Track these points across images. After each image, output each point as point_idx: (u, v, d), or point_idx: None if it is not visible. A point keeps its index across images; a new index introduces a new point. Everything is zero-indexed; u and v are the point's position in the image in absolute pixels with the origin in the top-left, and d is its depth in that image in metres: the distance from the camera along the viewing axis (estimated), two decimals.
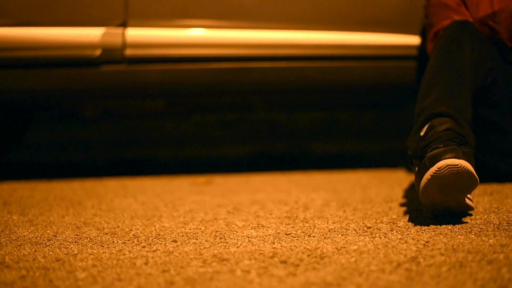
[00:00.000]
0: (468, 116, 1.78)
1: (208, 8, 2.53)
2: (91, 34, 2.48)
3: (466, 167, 1.48)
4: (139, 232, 1.60)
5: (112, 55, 2.49)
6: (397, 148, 3.92)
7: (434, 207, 1.59)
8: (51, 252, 1.40)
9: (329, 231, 1.53)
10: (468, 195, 1.61)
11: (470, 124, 1.77)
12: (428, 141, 1.61)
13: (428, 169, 1.51)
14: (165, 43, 2.51)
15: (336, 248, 1.35)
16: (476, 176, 1.51)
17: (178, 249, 1.40)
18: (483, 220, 1.58)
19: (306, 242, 1.42)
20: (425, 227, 1.53)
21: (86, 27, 2.49)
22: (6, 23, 2.46)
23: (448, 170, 1.48)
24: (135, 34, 2.50)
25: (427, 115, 1.73)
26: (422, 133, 1.68)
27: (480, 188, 2.04)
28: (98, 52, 2.48)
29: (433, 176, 1.49)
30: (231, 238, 1.49)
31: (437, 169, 1.49)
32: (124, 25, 2.49)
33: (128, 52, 2.50)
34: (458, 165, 1.48)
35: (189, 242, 1.46)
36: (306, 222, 1.66)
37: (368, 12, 2.57)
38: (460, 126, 1.68)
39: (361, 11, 2.57)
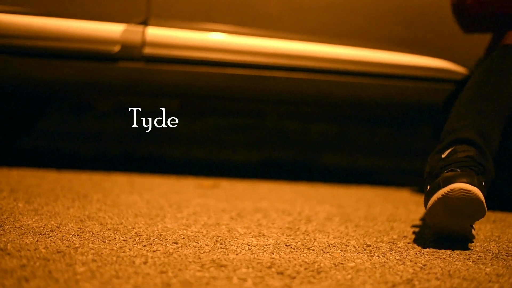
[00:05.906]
0: (495, 149, 1.78)
1: (230, 13, 2.55)
2: (112, 29, 2.51)
3: (477, 195, 1.48)
4: (141, 230, 1.62)
5: (130, 52, 2.52)
6: (405, 167, 3.92)
7: (436, 228, 1.60)
8: (53, 244, 1.41)
9: (329, 245, 1.54)
10: None
11: (494, 156, 1.76)
12: (447, 163, 1.62)
13: (441, 188, 1.51)
14: (184, 45, 2.54)
15: (333, 263, 1.36)
16: (486, 207, 1.51)
17: (178, 251, 1.41)
18: (482, 248, 1.59)
19: (305, 255, 1.43)
20: (424, 250, 1.53)
21: (107, 22, 2.52)
22: (30, 12, 2.49)
23: (460, 193, 1.48)
24: (155, 33, 2.52)
25: (454, 138, 1.72)
26: (443, 155, 1.68)
27: None
28: (117, 48, 2.51)
29: (443, 196, 1.50)
30: (231, 245, 1.51)
31: (449, 190, 1.49)
32: (145, 23, 2.52)
33: (147, 50, 2.53)
34: (470, 191, 1.48)
35: (189, 245, 1.48)
36: (307, 234, 1.67)
37: (386, 31, 2.58)
38: (483, 157, 1.68)
39: (380, 29, 2.58)
